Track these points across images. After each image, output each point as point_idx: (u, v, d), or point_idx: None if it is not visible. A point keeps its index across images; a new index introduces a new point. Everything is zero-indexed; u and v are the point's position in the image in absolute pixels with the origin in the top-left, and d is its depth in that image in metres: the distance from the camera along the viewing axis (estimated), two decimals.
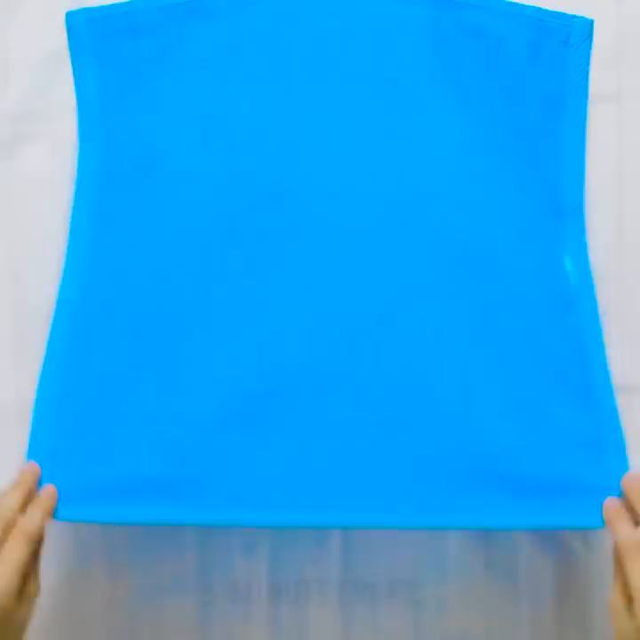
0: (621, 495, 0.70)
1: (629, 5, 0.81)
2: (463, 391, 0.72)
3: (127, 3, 0.77)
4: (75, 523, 0.75)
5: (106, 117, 0.77)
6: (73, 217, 0.76)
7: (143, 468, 0.71)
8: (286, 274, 0.75)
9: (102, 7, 0.77)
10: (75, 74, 0.77)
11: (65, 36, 0.79)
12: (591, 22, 0.77)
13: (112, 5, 0.77)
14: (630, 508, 0.69)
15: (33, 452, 0.72)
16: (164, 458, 0.71)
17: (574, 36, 0.77)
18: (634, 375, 0.80)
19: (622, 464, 0.72)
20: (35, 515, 0.68)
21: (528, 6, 0.78)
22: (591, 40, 0.77)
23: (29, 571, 0.67)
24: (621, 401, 0.79)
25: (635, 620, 0.64)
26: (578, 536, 0.78)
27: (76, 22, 0.77)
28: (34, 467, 0.71)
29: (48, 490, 0.70)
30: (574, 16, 0.77)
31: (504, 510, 0.71)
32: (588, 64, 0.77)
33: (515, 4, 0.78)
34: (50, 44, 0.80)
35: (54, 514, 0.70)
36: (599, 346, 0.75)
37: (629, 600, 0.65)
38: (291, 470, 0.71)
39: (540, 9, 0.77)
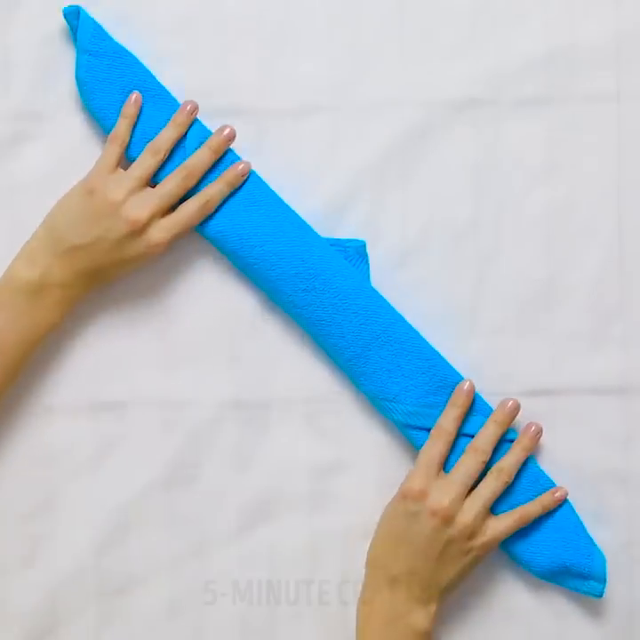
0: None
1: (629, 5, 0.81)
2: None
3: None
4: None
5: None
6: None
7: None
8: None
9: None
10: None
11: (64, 35, 0.80)
12: (364, 243, 0.79)
13: None
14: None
15: None
16: None
17: (353, 257, 0.79)
18: (634, 375, 0.80)
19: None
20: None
21: None
22: (368, 260, 0.79)
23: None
24: (621, 401, 0.79)
25: None
26: None
27: None
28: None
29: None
30: (348, 240, 0.79)
31: None
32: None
33: None
34: (50, 43, 0.80)
35: None
36: None
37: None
38: None
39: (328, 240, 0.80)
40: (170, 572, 0.80)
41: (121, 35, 0.80)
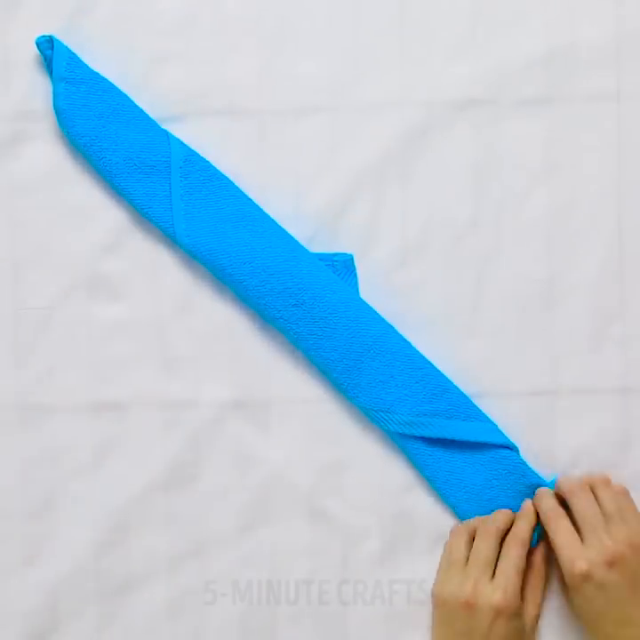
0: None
1: (629, 5, 0.81)
2: None
3: None
4: None
5: None
6: None
7: None
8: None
9: None
10: None
11: (65, 35, 0.80)
12: (351, 257, 0.80)
13: None
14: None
15: None
16: None
17: (341, 271, 0.80)
18: (634, 375, 0.80)
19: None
20: (524, 525, 0.76)
21: None
22: (356, 274, 0.79)
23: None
24: (621, 401, 0.79)
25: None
26: None
27: None
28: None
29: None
30: (336, 254, 0.79)
31: None
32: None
33: None
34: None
35: None
36: None
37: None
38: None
39: None
40: (170, 572, 0.80)
41: (121, 35, 0.80)
